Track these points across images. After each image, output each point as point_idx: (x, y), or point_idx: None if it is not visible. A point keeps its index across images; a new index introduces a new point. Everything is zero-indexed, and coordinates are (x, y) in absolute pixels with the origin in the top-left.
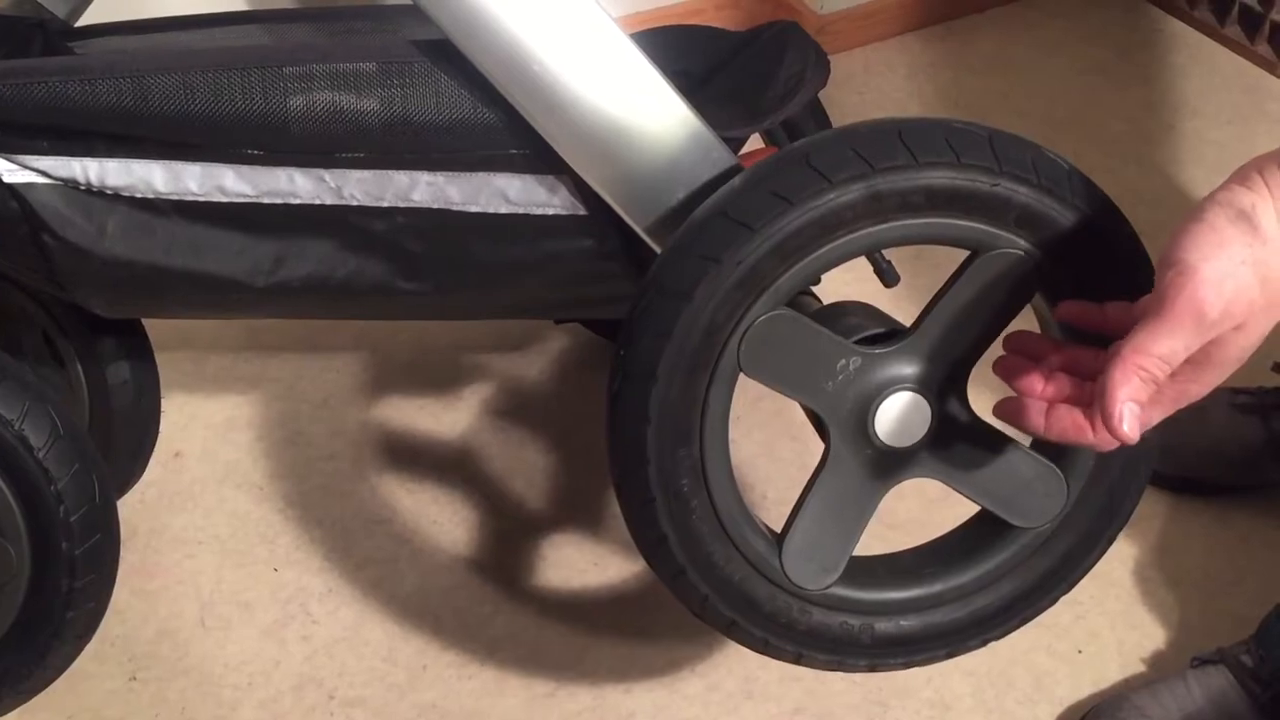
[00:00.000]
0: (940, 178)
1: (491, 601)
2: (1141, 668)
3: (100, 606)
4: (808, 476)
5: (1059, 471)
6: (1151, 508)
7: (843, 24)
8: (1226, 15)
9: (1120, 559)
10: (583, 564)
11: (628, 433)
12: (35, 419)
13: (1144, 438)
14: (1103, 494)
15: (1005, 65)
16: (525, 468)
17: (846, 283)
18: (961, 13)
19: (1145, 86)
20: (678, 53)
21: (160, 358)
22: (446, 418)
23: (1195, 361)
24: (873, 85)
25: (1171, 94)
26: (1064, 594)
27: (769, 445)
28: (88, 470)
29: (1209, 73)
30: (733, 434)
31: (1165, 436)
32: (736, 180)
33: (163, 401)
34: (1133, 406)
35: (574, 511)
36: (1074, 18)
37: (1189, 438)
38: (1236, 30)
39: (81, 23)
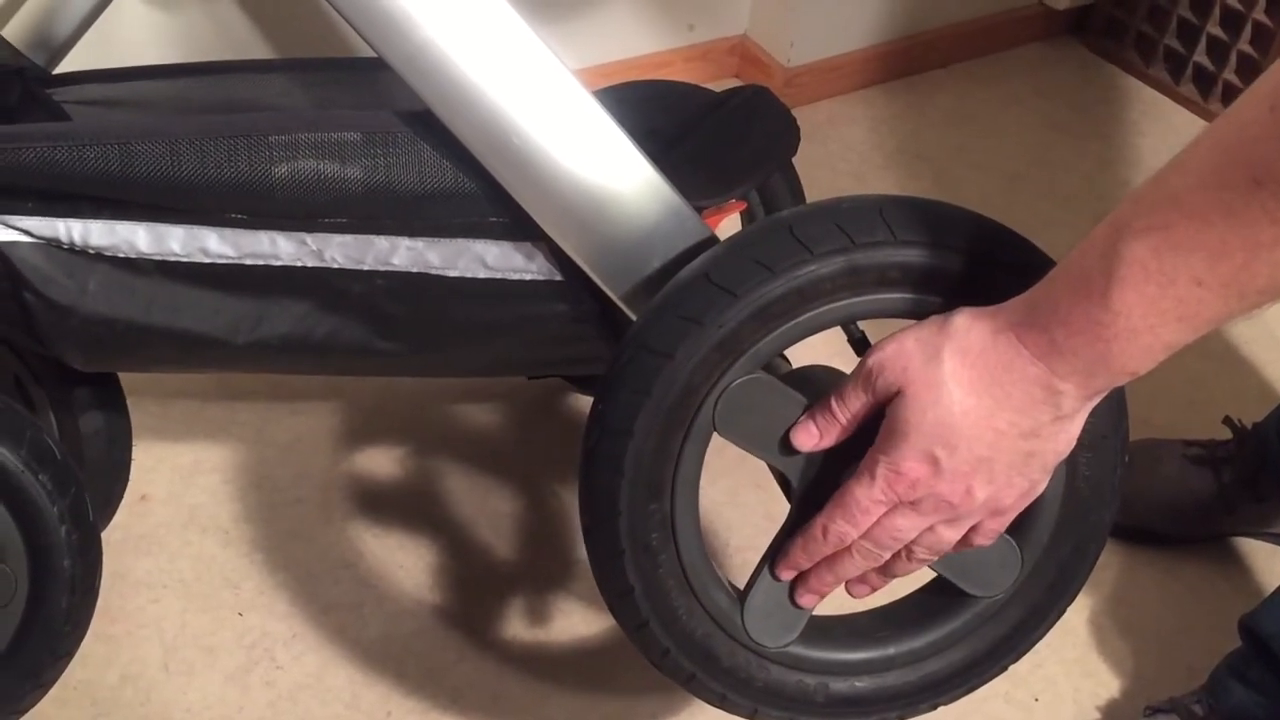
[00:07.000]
0: (917, 255)
1: (455, 648)
2: (1096, 716)
3: (86, 624)
4: (772, 524)
5: (1014, 544)
6: (1106, 558)
7: (808, 77)
8: (1181, 74)
9: (1076, 608)
10: (546, 612)
11: (601, 484)
12: (37, 444)
13: (1096, 520)
14: (1053, 569)
15: (964, 119)
16: (491, 514)
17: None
18: (923, 68)
19: (1101, 142)
20: (650, 110)
21: (128, 400)
22: (413, 463)
23: (887, 432)
24: (836, 137)
25: (1127, 150)
26: (1012, 663)
27: (734, 493)
28: (81, 492)
29: (1164, 129)
30: None
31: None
32: (720, 247)
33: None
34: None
35: (538, 559)
36: (1032, 74)
37: (1142, 489)
38: (1191, 89)
39: (60, 70)
